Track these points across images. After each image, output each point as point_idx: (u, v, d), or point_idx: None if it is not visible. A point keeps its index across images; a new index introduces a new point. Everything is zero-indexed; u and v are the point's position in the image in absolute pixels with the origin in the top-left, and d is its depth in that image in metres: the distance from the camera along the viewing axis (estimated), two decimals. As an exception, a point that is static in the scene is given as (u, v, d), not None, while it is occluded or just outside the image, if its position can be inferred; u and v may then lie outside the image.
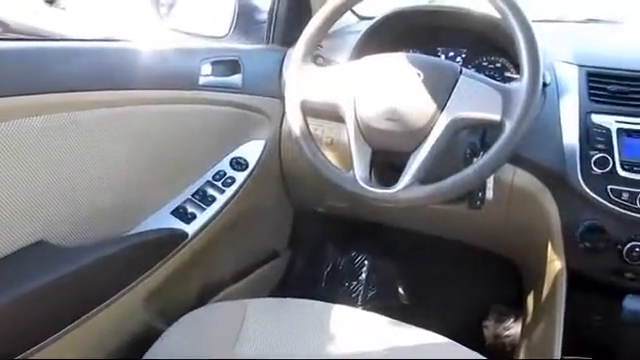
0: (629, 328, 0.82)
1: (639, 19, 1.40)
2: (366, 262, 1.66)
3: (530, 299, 1.20)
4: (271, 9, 1.25)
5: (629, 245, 0.92)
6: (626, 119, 0.94)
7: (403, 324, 0.90)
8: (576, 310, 0.98)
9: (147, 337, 0.90)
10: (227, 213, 1.11)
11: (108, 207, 0.92)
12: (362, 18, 1.37)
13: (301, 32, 0.96)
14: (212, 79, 1.07)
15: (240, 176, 1.14)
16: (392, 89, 0.86)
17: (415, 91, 0.85)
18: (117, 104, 0.90)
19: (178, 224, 1.03)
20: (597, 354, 0.95)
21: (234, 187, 1.13)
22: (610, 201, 0.92)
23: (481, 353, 0.85)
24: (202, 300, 1.17)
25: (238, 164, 1.15)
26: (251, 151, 1.18)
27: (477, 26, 1.09)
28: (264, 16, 1.26)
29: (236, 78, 1.13)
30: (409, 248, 1.60)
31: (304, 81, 0.93)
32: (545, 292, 1.06)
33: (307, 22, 0.96)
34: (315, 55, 1.12)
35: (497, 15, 0.84)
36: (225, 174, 1.13)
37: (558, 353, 0.94)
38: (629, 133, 0.93)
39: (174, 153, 1.04)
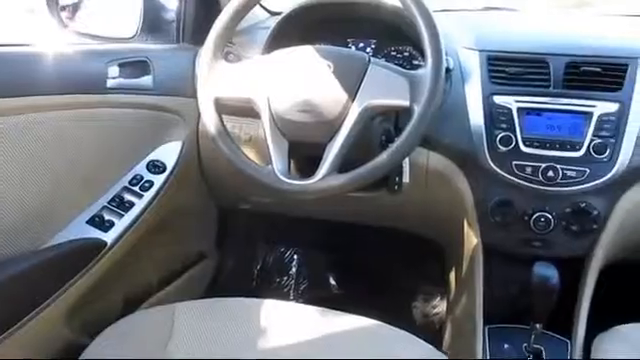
0: (539, 292, 0.88)
1: (533, 6, 1.50)
2: (296, 256, 1.67)
3: (452, 276, 1.26)
4: (179, 8, 1.22)
5: (535, 216, 0.98)
6: (525, 98, 1.00)
7: (334, 312, 0.91)
8: (495, 281, 1.04)
9: (71, 352, 0.87)
10: (147, 218, 1.09)
11: (18, 220, 0.87)
12: (273, 14, 1.37)
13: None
14: (121, 81, 1.04)
15: (158, 179, 1.12)
16: (304, 81, 0.87)
17: (326, 82, 0.86)
18: (22, 111, 0.85)
19: (95, 233, 0.99)
20: (517, 320, 1.01)
21: (152, 191, 1.10)
22: (515, 176, 0.98)
23: (411, 332, 0.87)
24: (128, 310, 1.13)
25: (155, 167, 1.12)
26: (168, 153, 1.15)
27: (386, 17, 1.12)
28: (173, 15, 1.22)
29: (146, 79, 1.09)
30: (337, 238, 1.62)
31: (216, 78, 0.92)
32: (465, 268, 1.11)
33: (216, 19, 0.95)
34: (226, 52, 1.11)
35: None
36: (142, 178, 1.10)
37: (481, 324, 0.99)
38: (528, 111, 0.99)
39: (87, 159, 1.00)
